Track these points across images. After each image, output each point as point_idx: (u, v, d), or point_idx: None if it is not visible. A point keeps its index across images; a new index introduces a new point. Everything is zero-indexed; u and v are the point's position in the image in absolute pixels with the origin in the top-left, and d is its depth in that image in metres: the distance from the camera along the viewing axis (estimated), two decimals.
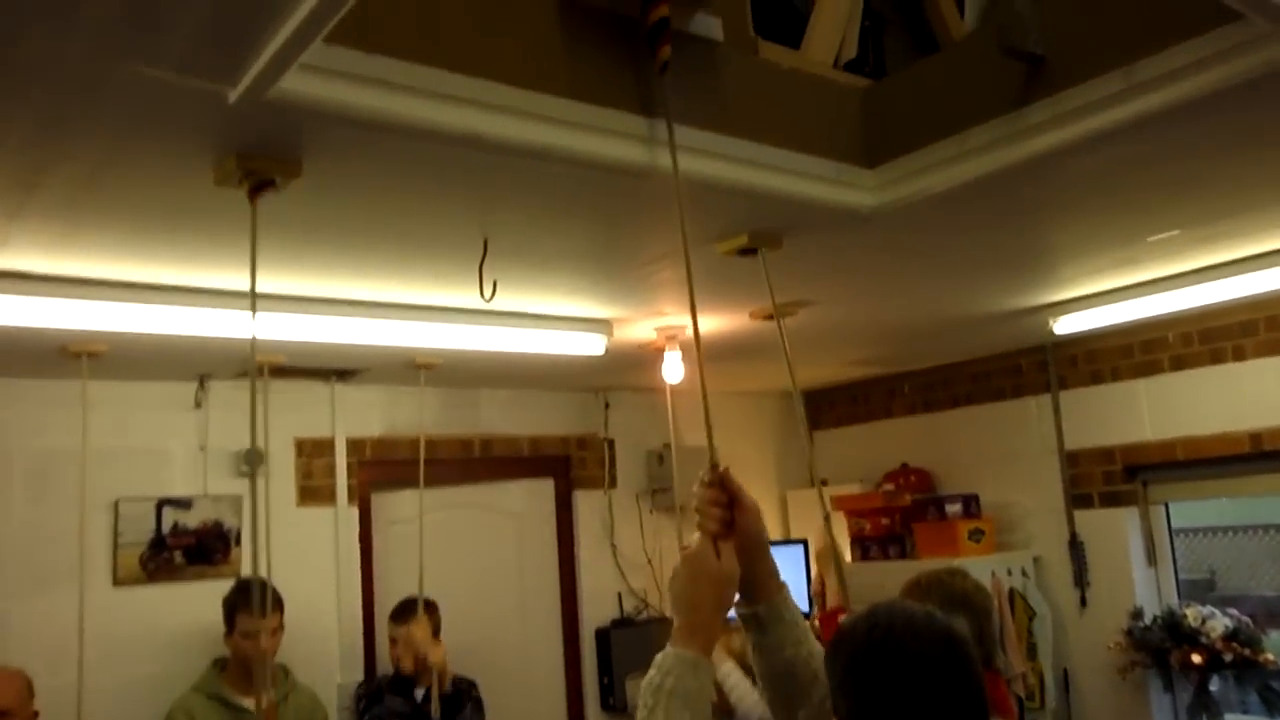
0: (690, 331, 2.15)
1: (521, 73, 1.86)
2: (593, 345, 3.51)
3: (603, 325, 3.46)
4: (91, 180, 1.90)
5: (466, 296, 2.87)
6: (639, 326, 3.58)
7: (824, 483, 5.46)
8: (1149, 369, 4.43)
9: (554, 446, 4.86)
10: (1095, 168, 2.24)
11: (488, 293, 2.56)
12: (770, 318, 3.42)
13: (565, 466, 4.91)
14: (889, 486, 5.19)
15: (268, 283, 2.63)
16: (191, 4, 1.34)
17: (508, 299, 2.98)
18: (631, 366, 4.18)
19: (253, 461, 3.63)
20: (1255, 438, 4.08)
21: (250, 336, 2.06)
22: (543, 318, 3.29)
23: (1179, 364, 4.34)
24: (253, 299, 2.01)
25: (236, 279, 2.57)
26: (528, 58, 1.89)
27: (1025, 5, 2.00)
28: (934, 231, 2.67)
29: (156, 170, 1.88)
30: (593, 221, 2.44)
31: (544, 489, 4.88)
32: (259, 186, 1.88)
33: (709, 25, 2.20)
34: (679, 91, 2.09)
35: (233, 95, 1.58)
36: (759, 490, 4.45)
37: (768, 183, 2.23)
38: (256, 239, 1.96)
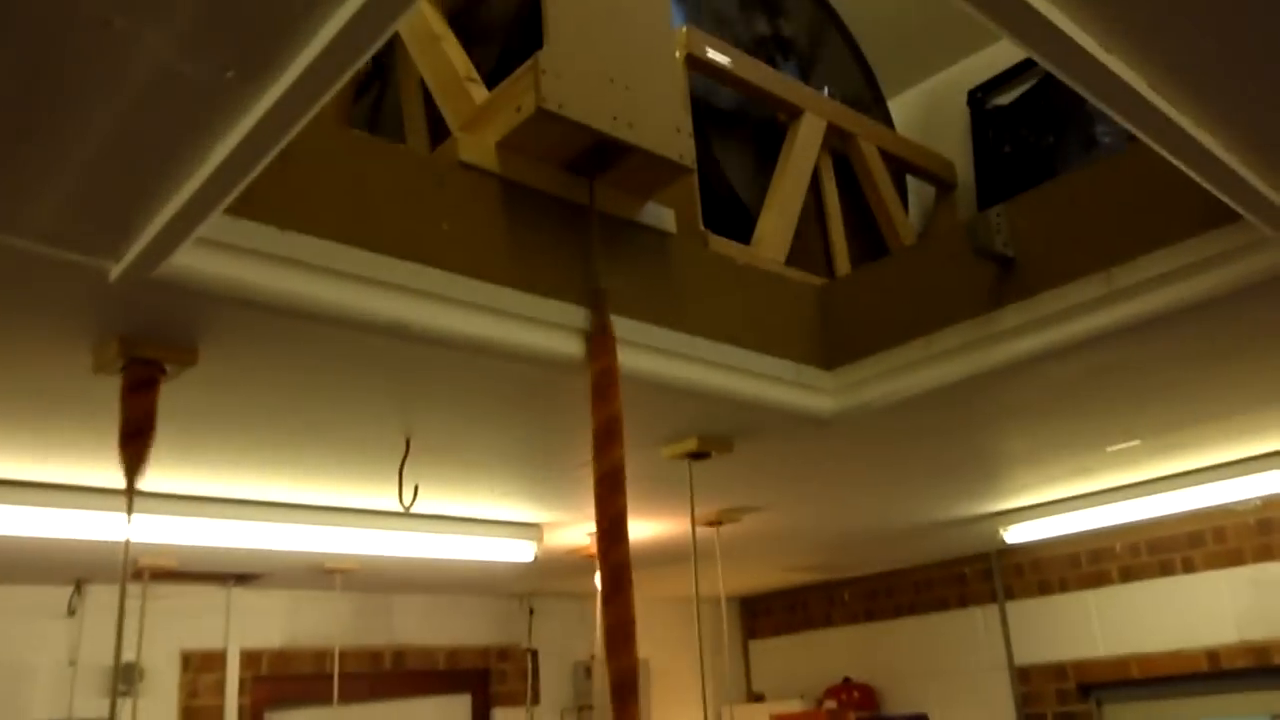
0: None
1: (454, 257, 1.68)
2: (521, 552, 3.22)
3: (532, 530, 3.19)
4: None
5: (384, 498, 2.60)
6: (571, 531, 3.32)
7: (761, 698, 5.09)
8: (1098, 579, 4.27)
9: (473, 659, 4.45)
10: (1067, 375, 2.11)
11: (408, 499, 2.29)
12: (715, 524, 3.20)
13: (484, 681, 4.49)
14: (831, 703, 4.85)
15: (158, 479, 2.33)
16: (58, 168, 1.13)
17: (431, 501, 2.71)
18: (560, 572, 3.87)
19: (128, 679, 3.19)
20: (1212, 656, 3.90)
21: (124, 540, 1.75)
22: (468, 521, 3.01)
23: (1128, 575, 4.20)
24: (129, 499, 1.71)
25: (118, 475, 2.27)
26: (461, 241, 1.71)
27: (996, 207, 1.91)
28: (893, 437, 2.50)
29: (28, 352, 1.62)
30: (526, 419, 2.22)
31: (459, 706, 4.43)
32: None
33: (660, 215, 2.06)
34: (625, 282, 1.93)
35: (114, 272, 1.35)
36: (692, 706, 4.08)
37: (720, 383, 2.05)
38: None
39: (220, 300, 1.45)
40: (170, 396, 1.77)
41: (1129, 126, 1.19)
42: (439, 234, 1.68)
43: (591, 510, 2.96)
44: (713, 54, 2.64)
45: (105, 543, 2.53)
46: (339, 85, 1.01)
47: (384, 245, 1.59)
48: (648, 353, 1.93)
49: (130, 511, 1.70)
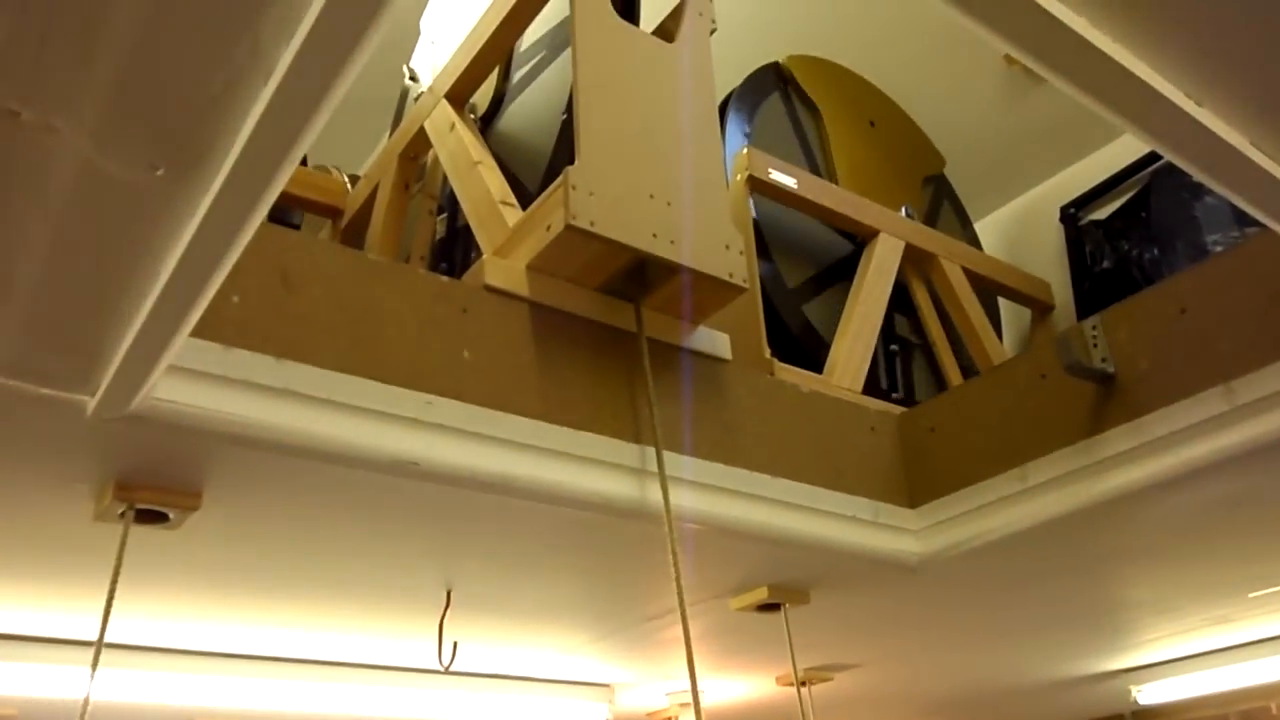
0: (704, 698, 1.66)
1: (476, 388, 1.53)
2: (592, 715, 2.96)
3: (603, 691, 2.93)
4: None
5: (424, 654, 2.39)
6: (647, 690, 3.04)
7: None
8: None
9: None
10: (1186, 507, 1.83)
11: (446, 657, 2.09)
12: (802, 684, 2.89)
13: None
14: None
15: (171, 633, 2.19)
16: (3, 289, 1.02)
17: (478, 657, 2.50)
18: None
19: None
20: None
21: (83, 697, 1.56)
22: (526, 680, 2.77)
23: None
24: (97, 651, 1.54)
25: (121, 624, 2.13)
26: (485, 371, 1.56)
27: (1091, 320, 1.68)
28: (991, 584, 2.21)
29: (26, 499, 1.52)
30: (581, 567, 2.02)
31: None
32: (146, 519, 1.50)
33: (713, 341, 1.89)
34: (674, 414, 1.75)
35: (89, 406, 1.23)
36: None
37: (786, 524, 1.82)
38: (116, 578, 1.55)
39: (210, 437, 1.32)
40: (179, 543, 1.65)
41: (1235, 199, 0.98)
42: (459, 363, 1.54)
43: (670, 667, 2.73)
44: (776, 175, 2.51)
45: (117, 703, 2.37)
46: (282, 180, 0.88)
47: (394, 375, 1.45)
48: (704, 491, 1.73)
49: (95, 665, 1.53)
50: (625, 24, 1.88)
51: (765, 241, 2.59)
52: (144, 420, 1.27)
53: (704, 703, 3.03)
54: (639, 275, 1.77)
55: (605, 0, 1.86)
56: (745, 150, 2.50)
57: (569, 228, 1.60)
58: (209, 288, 1.06)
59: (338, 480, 1.51)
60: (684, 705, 3.15)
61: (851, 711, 3.53)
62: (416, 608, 2.06)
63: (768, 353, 2.23)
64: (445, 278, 1.59)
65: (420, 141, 2.28)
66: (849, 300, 2.53)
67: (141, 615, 2.02)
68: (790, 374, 2.27)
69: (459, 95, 2.17)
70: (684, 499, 1.70)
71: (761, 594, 2.10)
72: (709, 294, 1.79)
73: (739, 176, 2.48)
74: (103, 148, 0.85)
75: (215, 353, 1.31)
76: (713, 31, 2.07)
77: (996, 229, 3.77)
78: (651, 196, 1.72)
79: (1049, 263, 3.41)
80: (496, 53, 2.09)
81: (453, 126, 2.12)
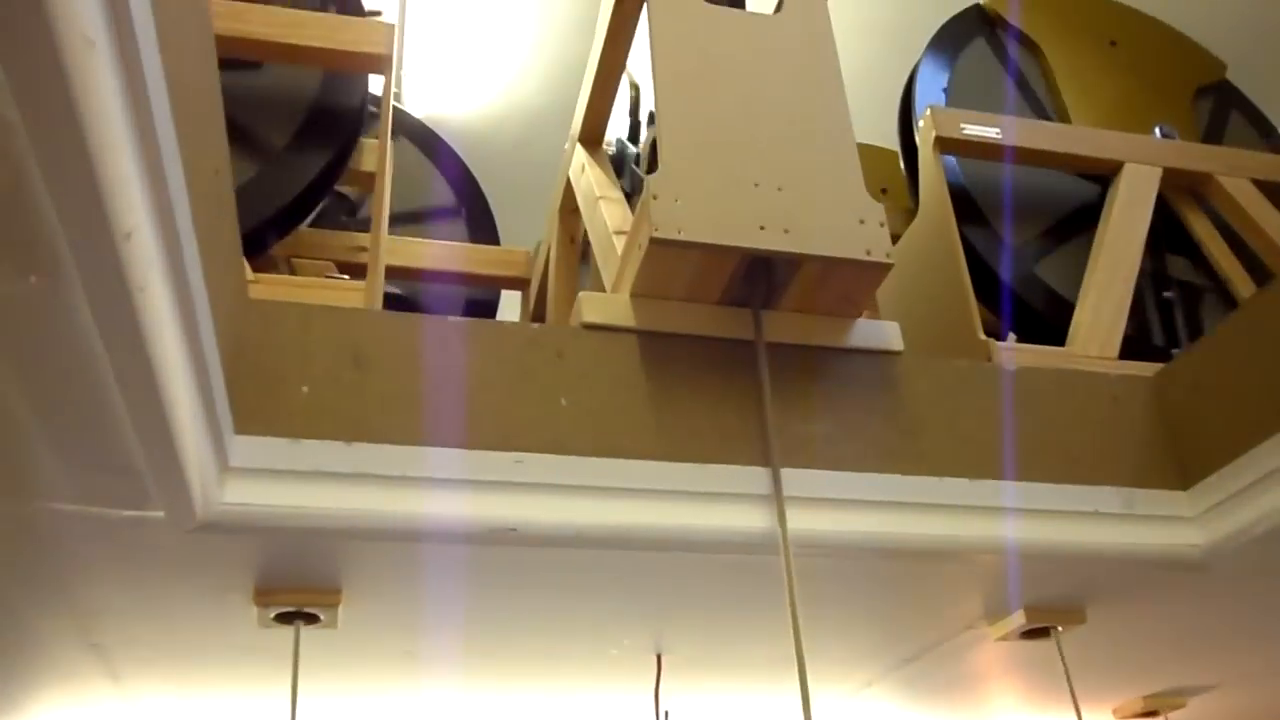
0: None
1: (576, 437, 1.39)
2: None
3: None
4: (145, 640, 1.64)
5: None
6: None
7: None
8: None
9: None
10: None
11: None
12: (1148, 714, 2.41)
13: None
14: None
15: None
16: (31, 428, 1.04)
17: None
18: None
19: None
20: None
21: None
22: None
23: None
24: None
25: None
26: (586, 417, 1.42)
27: None
28: None
29: (191, 613, 1.58)
30: (810, 615, 1.79)
31: None
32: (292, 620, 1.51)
33: (877, 333, 1.62)
34: (835, 427, 1.50)
35: (168, 518, 1.24)
36: None
37: (998, 534, 1.50)
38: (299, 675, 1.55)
39: (287, 534, 1.29)
40: (350, 638, 1.65)
41: None
42: (556, 413, 1.41)
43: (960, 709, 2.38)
44: (972, 129, 2.18)
45: None
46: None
47: (481, 439, 1.35)
48: (871, 509, 1.46)
49: None
50: (709, 5, 1.70)
51: (979, 205, 2.25)
52: (220, 526, 1.25)
53: None
54: (763, 276, 1.55)
55: None
56: (928, 111, 2.19)
57: (654, 241, 1.43)
58: (185, 389, 1.02)
59: (470, 559, 1.43)
60: None
61: None
62: (628, 674, 1.92)
63: (980, 334, 1.90)
64: (537, 325, 1.48)
65: (571, 192, 2.22)
66: (1092, 252, 2.12)
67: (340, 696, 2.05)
68: (1022, 353, 1.92)
69: (588, 135, 2.08)
70: (843, 521, 1.45)
71: (1019, 618, 1.75)
72: (849, 280, 1.54)
73: (926, 145, 2.18)
74: None
75: (283, 447, 1.28)
76: None
77: None
78: (756, 185, 1.51)
79: None
80: (608, 83, 1.98)
81: (584, 168, 2.02)
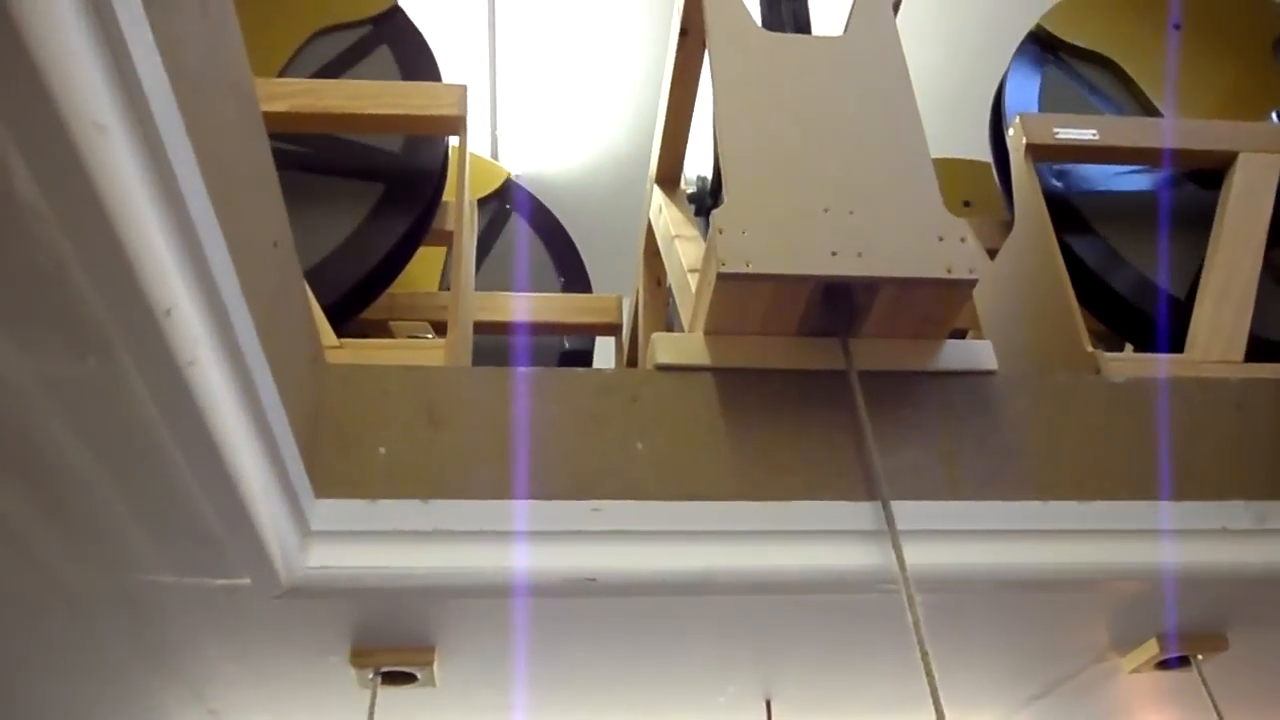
0: None
1: (652, 481, 1.36)
2: None
3: None
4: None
5: None
6: None
7: None
8: None
9: None
10: None
11: None
12: None
13: None
14: None
15: None
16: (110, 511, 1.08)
17: None
18: None
19: None
20: None
21: None
22: None
23: None
24: None
25: None
26: (663, 460, 1.39)
27: None
28: None
29: (300, 678, 1.60)
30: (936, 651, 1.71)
31: None
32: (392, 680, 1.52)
33: (968, 354, 1.55)
34: (930, 454, 1.44)
35: (278, 589, 1.26)
36: None
37: (1109, 559, 1.39)
38: None
39: (368, 595, 1.30)
40: (452, 697, 1.65)
41: None
42: (632, 459, 1.38)
43: None
44: (1065, 133, 2.08)
45: None
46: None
47: (555, 489, 1.34)
48: (999, 540, 1.39)
49: None
50: (771, 33, 1.67)
51: (1078, 211, 2.14)
52: (305, 591, 1.27)
53: None
54: (841, 303, 1.50)
55: (743, 13, 1.67)
56: (1017, 119, 2.10)
57: (721, 277, 1.40)
58: (252, 458, 1.04)
59: (557, 610, 1.42)
60: None
61: None
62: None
63: (1087, 345, 1.79)
64: (610, 369, 1.47)
65: (653, 234, 2.21)
66: (1208, 252, 1.99)
67: None
68: (1136, 364, 1.81)
69: (663, 175, 2.07)
70: (949, 553, 1.37)
71: (1151, 649, 1.62)
72: (930, 300, 1.47)
73: (1018, 153, 2.09)
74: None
75: (360, 509, 1.30)
76: (897, 5, 1.79)
77: None
78: (826, 210, 1.47)
79: None
80: (679, 122, 1.97)
81: (661, 209, 2.01)
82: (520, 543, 1.30)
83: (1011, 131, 2.13)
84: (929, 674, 1.22)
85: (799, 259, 1.42)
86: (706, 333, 1.50)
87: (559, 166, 4.06)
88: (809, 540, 1.35)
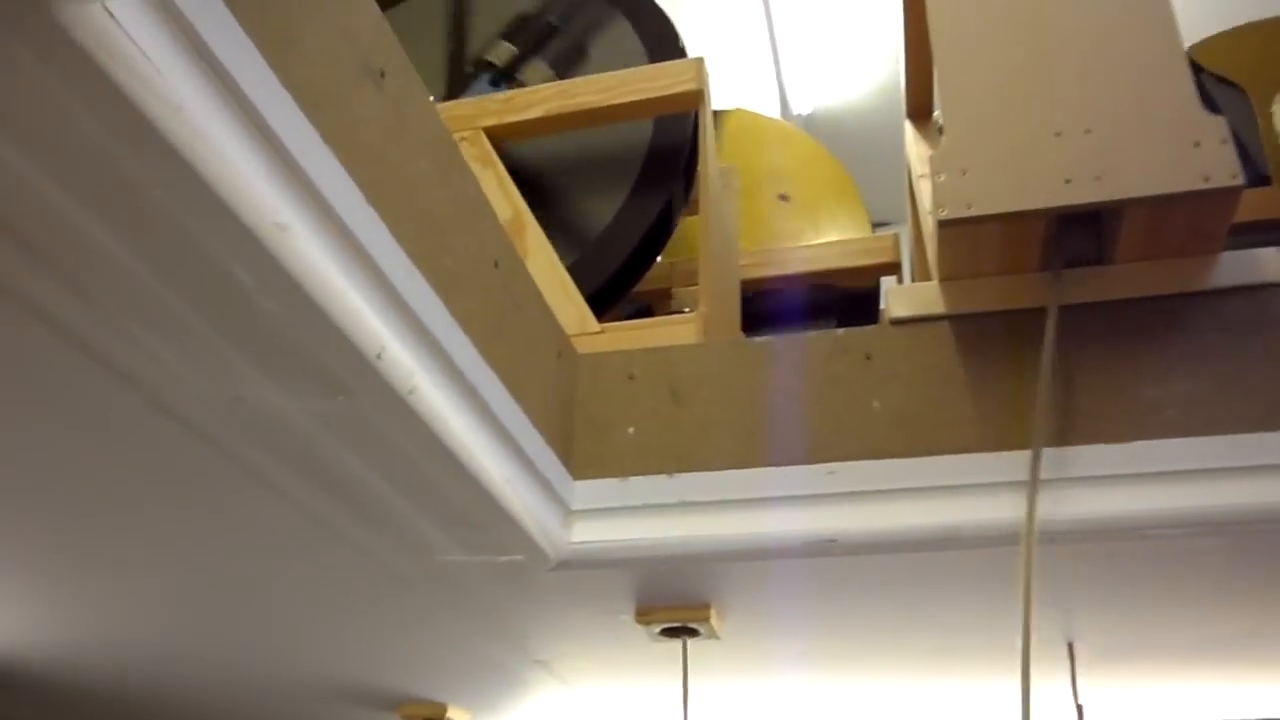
0: None
1: (891, 439, 1.36)
2: None
3: None
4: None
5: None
6: None
7: None
8: None
9: None
10: None
11: None
12: None
13: None
14: None
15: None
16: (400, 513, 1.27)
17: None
18: None
19: None
20: None
21: None
22: None
23: None
24: None
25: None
26: (901, 416, 1.38)
27: None
28: None
29: (594, 633, 1.77)
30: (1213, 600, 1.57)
31: None
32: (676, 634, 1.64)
33: (1248, 265, 1.38)
34: (1211, 384, 1.31)
35: (549, 563, 1.42)
36: None
37: None
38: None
39: (632, 564, 1.42)
40: (739, 646, 1.74)
41: None
42: (869, 418, 1.39)
43: None
44: None
45: None
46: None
47: (792, 454, 1.38)
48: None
49: None
50: None
51: None
52: (573, 563, 1.42)
53: None
54: (1088, 232, 1.40)
55: None
56: None
57: (942, 224, 1.36)
58: (492, 457, 1.18)
59: (814, 568, 1.46)
60: None
61: None
62: (1038, 666, 1.80)
63: None
64: (843, 330, 1.47)
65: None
66: None
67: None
68: None
69: (913, 109, 1.98)
70: (1242, 491, 1.25)
71: None
72: (1191, 214, 1.33)
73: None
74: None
75: (614, 487, 1.42)
76: None
77: None
78: (1058, 135, 1.37)
79: None
80: (919, 52, 1.88)
81: (912, 145, 1.94)
82: (759, 509, 1.36)
83: None
84: None
85: (1025, 194, 1.33)
86: (942, 279, 1.46)
87: (846, 99, 3.96)
88: (1061, 488, 1.29)
